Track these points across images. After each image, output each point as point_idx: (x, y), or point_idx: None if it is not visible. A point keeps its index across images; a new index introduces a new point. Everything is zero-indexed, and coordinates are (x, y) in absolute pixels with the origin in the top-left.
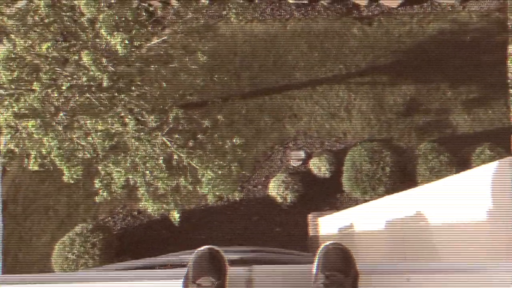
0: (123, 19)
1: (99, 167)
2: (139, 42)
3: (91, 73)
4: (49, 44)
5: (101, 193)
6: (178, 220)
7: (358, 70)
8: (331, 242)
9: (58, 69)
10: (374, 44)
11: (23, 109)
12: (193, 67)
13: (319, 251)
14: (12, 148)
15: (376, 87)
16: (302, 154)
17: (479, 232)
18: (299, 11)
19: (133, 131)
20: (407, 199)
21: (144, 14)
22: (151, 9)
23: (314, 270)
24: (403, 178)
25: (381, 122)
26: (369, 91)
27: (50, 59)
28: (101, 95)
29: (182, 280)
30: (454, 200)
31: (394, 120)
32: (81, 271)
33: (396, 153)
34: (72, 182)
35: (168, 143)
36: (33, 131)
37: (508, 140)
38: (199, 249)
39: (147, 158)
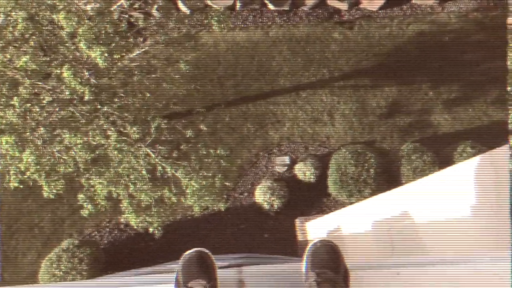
0: (103, 31)
1: (82, 181)
2: (119, 55)
3: (73, 86)
4: (27, 58)
5: (85, 206)
6: (159, 233)
7: (341, 74)
8: (319, 239)
9: (39, 83)
10: (356, 48)
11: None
12: (176, 76)
13: (307, 249)
14: None
15: (359, 90)
16: (286, 159)
17: (463, 226)
18: (281, 17)
19: (115, 143)
20: (392, 199)
21: (123, 26)
22: (132, 20)
23: (303, 269)
24: (388, 179)
25: (363, 125)
26: (352, 95)
27: (29, 73)
28: (84, 108)
29: (174, 284)
30: (438, 196)
31: (376, 122)
32: (70, 282)
33: (379, 155)
34: (53, 197)
35: (152, 154)
36: (8, 148)
37: (488, 137)
38: (187, 252)
39: (131, 170)
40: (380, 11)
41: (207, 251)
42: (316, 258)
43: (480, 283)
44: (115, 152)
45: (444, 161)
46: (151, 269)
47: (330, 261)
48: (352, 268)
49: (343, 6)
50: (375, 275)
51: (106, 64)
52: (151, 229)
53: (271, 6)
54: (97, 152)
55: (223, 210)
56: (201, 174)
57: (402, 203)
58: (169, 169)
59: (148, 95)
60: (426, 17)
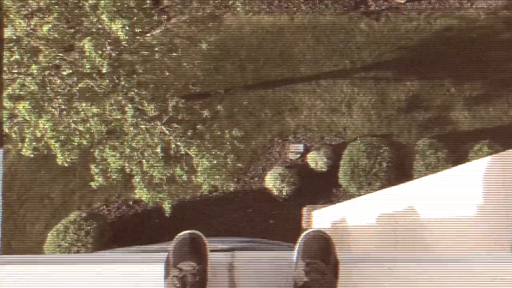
0: (125, 5)
1: (95, 153)
2: (140, 29)
3: (93, 58)
4: (49, 26)
5: (96, 178)
6: (169, 210)
7: (363, 66)
8: (313, 229)
9: (60, 54)
10: (381, 40)
11: (18, 91)
12: (197, 56)
13: (300, 238)
14: (7, 132)
15: (380, 83)
16: (300, 147)
17: (468, 225)
18: (307, 4)
19: (132, 119)
20: (399, 194)
21: (149, 2)
22: None
23: (294, 257)
24: (400, 174)
25: (381, 117)
26: (373, 87)
27: (50, 42)
28: (102, 81)
29: (164, 264)
30: (446, 194)
31: (395, 116)
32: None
33: (394, 148)
34: (67, 165)
35: (167, 132)
36: (25, 114)
37: (507, 138)
38: (180, 233)
39: (145, 146)
40: (407, 4)
41: (200, 233)
42: (308, 247)
43: (478, 283)
44: (131, 128)
45: (458, 159)
46: (147, 247)
47: (321, 252)
48: (343, 260)
49: None
50: (366, 269)
51: (127, 37)
52: (164, 205)
53: None
54: (113, 124)
55: (232, 192)
56: (213, 152)
57: (409, 198)
58: (182, 147)
59: (168, 73)
60: (454, 12)
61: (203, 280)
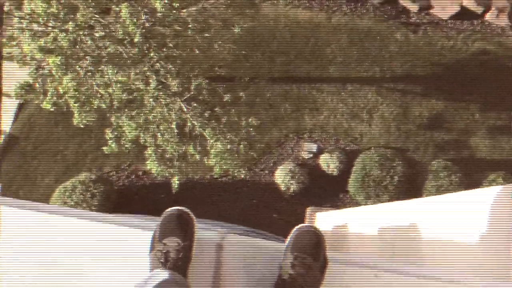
0: None
1: (112, 119)
2: (178, 4)
3: (126, 25)
4: None
5: (110, 144)
6: (177, 187)
7: (392, 76)
8: (306, 224)
9: (96, 16)
10: (415, 53)
11: (49, 44)
12: (229, 40)
13: (292, 231)
14: (31, 82)
15: (405, 96)
16: (314, 147)
17: (469, 252)
18: (348, 5)
19: (154, 91)
20: (404, 209)
21: None
22: None
23: (284, 249)
24: (409, 191)
25: (400, 131)
26: (398, 99)
27: (89, 1)
28: (132, 50)
29: (151, 238)
30: (451, 216)
31: (414, 131)
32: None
33: (408, 164)
34: (82, 126)
35: (185, 109)
36: (53, 68)
37: None
38: (168, 209)
39: (162, 120)
40: (449, 21)
41: (188, 210)
42: (298, 241)
43: None
44: (151, 100)
45: (471, 185)
46: (145, 217)
47: (311, 247)
48: (333, 260)
49: (413, 8)
50: (353, 271)
51: (163, 10)
52: (172, 181)
53: None
54: (134, 95)
55: (241, 180)
56: (228, 137)
57: (413, 215)
58: (198, 127)
59: (197, 52)
60: (494, 37)
61: (187, 258)
